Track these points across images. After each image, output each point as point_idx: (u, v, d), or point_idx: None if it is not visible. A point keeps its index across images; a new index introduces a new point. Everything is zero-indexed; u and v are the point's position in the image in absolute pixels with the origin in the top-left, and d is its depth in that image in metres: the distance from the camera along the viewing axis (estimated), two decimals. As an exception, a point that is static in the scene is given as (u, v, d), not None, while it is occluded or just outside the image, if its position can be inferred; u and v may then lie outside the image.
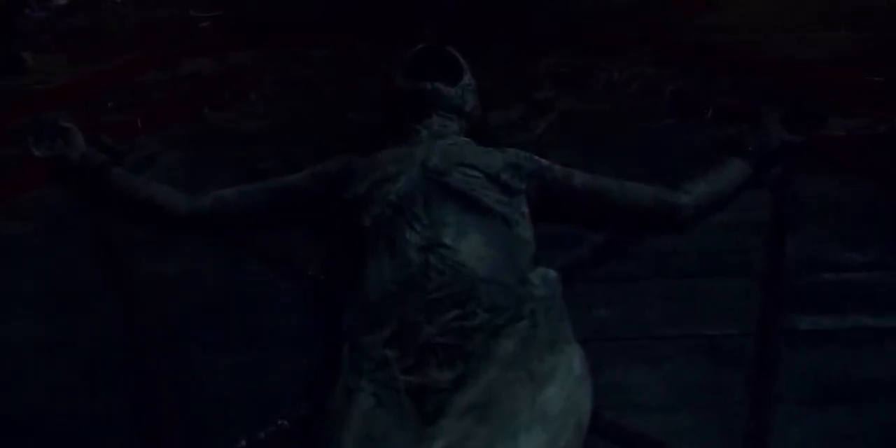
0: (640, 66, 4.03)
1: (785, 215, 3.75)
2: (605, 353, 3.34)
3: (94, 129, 3.56)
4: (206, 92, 4.01)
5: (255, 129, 3.87)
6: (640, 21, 4.12)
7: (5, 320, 3.73)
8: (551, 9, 4.11)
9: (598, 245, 3.55)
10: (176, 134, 3.85)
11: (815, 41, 4.08)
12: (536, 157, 3.07)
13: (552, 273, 2.83)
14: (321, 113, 3.92)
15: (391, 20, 4.11)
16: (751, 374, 3.77)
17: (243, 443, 3.53)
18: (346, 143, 3.80)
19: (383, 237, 2.80)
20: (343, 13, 4.14)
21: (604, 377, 2.90)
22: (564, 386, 2.67)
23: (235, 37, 4.15)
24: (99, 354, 3.66)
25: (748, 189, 3.09)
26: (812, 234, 3.84)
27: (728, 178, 3.11)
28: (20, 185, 3.78)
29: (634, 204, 3.01)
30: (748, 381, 3.77)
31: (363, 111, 3.85)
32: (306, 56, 4.09)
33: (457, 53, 3.33)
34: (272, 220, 3.17)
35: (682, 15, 4.14)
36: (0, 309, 3.74)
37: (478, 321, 2.65)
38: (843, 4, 4.19)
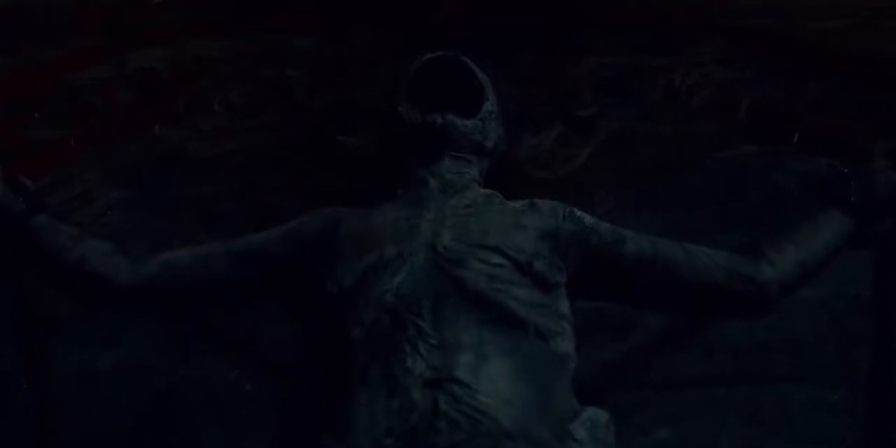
0: (708, 66, 3.17)
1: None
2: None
3: (12, 154, 2.79)
4: (158, 98, 3.16)
5: (218, 154, 3.02)
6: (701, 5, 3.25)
7: None
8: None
9: (656, 333, 2.72)
10: (118, 160, 3.01)
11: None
12: (578, 213, 2.46)
13: (602, 416, 2.20)
14: (303, 131, 3.07)
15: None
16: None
17: None
18: (335, 175, 3.00)
19: (377, 361, 2.16)
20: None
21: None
22: None
23: (196, 21, 3.28)
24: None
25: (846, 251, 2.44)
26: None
27: (824, 238, 2.46)
28: None
29: (704, 279, 2.39)
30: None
31: (357, 131, 3.03)
32: (286, 48, 3.22)
33: (475, 66, 2.59)
34: (234, 295, 2.54)
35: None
36: None
37: None
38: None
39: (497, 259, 2.28)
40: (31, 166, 2.72)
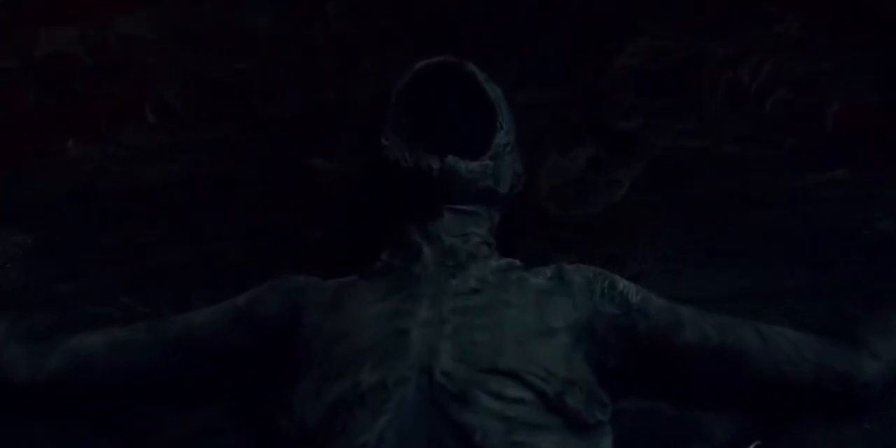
0: (784, 53, 2.43)
1: None
2: None
3: None
4: (74, 98, 2.42)
5: (149, 181, 2.31)
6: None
7: None
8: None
9: (723, 443, 2.06)
10: (18, 192, 2.30)
11: None
12: (621, 286, 1.94)
13: None
14: (259, 149, 2.35)
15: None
16: None
17: None
18: (302, 213, 2.31)
19: None
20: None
21: None
22: None
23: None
24: None
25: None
26: None
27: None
28: None
29: (785, 377, 1.88)
30: None
31: (333, 149, 2.33)
32: (237, 30, 2.47)
33: (484, 76, 2.05)
34: (162, 396, 2.00)
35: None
36: None
37: None
38: None
39: (516, 391, 1.73)
40: None
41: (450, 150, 1.97)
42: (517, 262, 1.97)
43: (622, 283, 1.95)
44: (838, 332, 1.94)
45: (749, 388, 1.91)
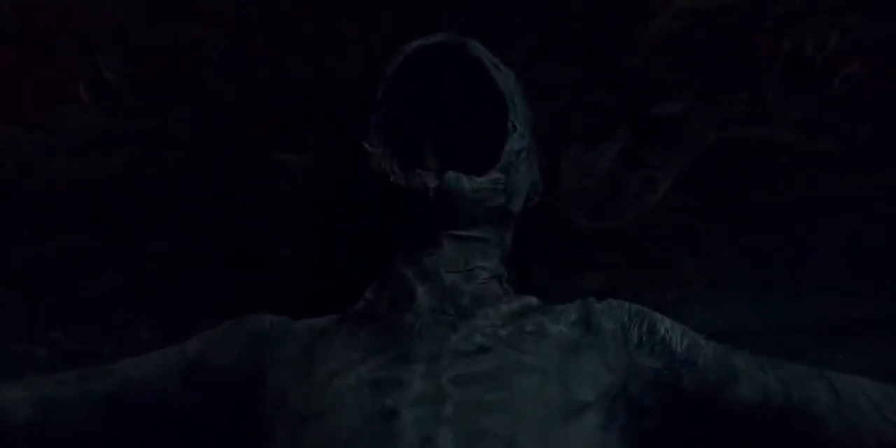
0: (854, 15, 1.99)
1: None
2: None
3: None
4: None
5: (83, 178, 1.89)
6: None
7: None
8: None
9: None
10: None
11: None
12: (663, 331, 1.59)
13: None
14: (215, 141, 1.92)
15: None
16: None
17: None
18: (268, 224, 1.90)
19: None
20: None
21: None
22: None
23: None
24: None
25: None
26: None
27: None
28: None
29: (865, 444, 1.54)
30: None
31: (302, 143, 1.91)
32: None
33: (493, 62, 1.69)
34: None
35: None
36: None
37: None
38: None
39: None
40: None
41: (449, 158, 1.58)
42: (534, 302, 1.60)
43: (663, 327, 1.59)
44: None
45: (816, 454, 1.56)
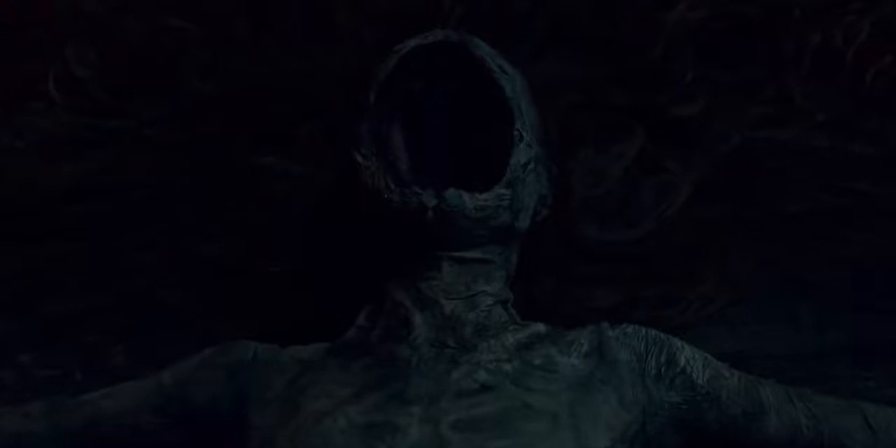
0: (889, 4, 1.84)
1: None
2: None
3: None
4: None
5: (52, 186, 1.75)
6: None
7: None
8: None
9: None
10: None
11: None
12: (683, 361, 1.48)
13: None
14: (193, 145, 1.77)
15: None
16: None
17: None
18: (252, 230, 1.75)
19: None
20: None
21: None
22: None
23: None
24: None
25: None
26: None
27: None
28: None
29: None
30: None
31: (288, 148, 1.76)
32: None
33: (496, 61, 1.54)
34: None
35: None
36: None
37: None
38: None
39: None
40: None
41: (449, 168, 1.42)
42: (542, 329, 1.47)
43: (683, 357, 1.47)
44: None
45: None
